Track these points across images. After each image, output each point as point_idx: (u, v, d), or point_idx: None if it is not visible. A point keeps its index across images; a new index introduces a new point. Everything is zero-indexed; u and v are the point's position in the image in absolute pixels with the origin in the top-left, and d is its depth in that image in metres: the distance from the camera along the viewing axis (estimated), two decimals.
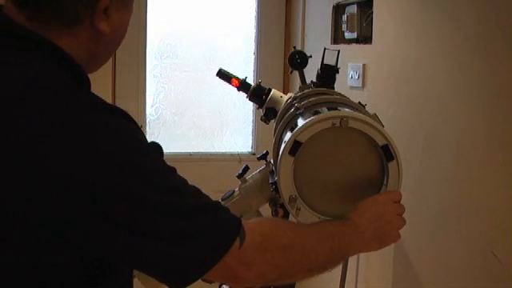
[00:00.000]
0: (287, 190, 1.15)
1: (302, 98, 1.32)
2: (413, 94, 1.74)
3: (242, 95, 1.66)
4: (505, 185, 1.34)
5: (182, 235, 0.82)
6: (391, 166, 1.12)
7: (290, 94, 1.56)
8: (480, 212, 1.43)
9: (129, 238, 0.79)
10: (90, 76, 0.91)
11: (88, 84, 0.89)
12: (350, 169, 1.15)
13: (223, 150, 3.00)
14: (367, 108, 1.29)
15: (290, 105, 1.38)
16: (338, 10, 2.36)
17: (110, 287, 0.88)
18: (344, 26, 2.20)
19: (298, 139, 1.11)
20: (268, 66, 2.94)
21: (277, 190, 1.27)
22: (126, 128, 0.82)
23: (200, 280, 0.86)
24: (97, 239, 0.79)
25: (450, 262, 1.55)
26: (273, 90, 1.61)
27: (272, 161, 1.43)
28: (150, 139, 0.87)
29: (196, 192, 0.87)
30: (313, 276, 1.01)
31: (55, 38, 0.85)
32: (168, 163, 0.86)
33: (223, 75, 1.65)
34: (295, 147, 1.11)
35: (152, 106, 2.88)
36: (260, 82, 1.64)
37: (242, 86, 1.63)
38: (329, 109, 1.17)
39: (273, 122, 1.54)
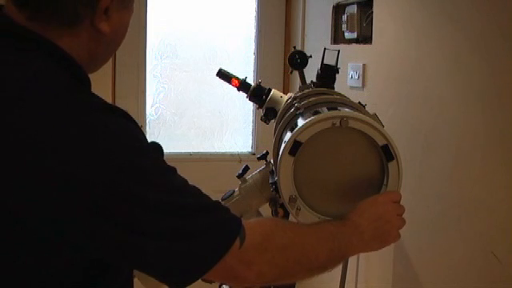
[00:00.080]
0: (287, 190, 1.15)
1: (302, 98, 1.32)
2: (413, 94, 1.74)
3: (242, 95, 1.66)
4: (505, 185, 1.34)
5: (182, 235, 0.82)
6: (391, 166, 1.12)
7: (290, 94, 1.56)
8: (480, 212, 1.43)
9: (129, 238, 0.79)
10: (90, 76, 0.91)
11: (88, 84, 0.89)
12: (350, 169, 1.15)
13: (223, 150, 3.00)
14: (367, 108, 1.29)
15: (290, 105, 1.38)
16: (338, 10, 2.36)
17: (109, 287, 0.88)
18: (344, 26, 2.20)
19: (298, 139, 1.11)
20: (268, 66, 2.94)
21: (277, 190, 1.27)
22: (126, 128, 0.82)
23: (200, 280, 0.86)
24: (97, 239, 0.79)
25: (450, 262, 1.55)
26: (273, 90, 1.61)
27: (272, 161, 1.43)
28: (150, 139, 0.87)
29: (196, 192, 0.88)
30: (313, 276, 1.01)
31: (55, 38, 0.85)
32: (168, 163, 0.86)
33: (223, 75, 1.65)
34: (295, 147, 1.11)
35: (152, 106, 2.88)
36: (260, 82, 1.64)
37: (242, 86, 1.63)
38: (329, 109, 1.17)
39: (273, 122, 1.54)
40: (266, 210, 1.51)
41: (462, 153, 1.50)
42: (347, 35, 2.22)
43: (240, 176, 1.51)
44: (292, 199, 1.15)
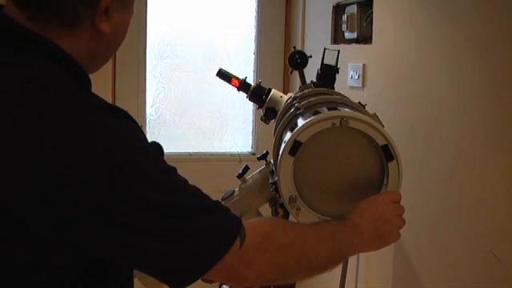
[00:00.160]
0: (287, 190, 1.15)
1: (302, 98, 1.32)
2: (413, 94, 1.74)
3: (242, 95, 1.66)
4: (505, 185, 1.34)
5: (182, 235, 0.82)
6: (391, 166, 1.12)
7: (290, 94, 1.56)
8: (480, 212, 1.43)
9: (129, 238, 0.79)
10: (90, 76, 0.91)
11: (89, 84, 0.89)
12: (350, 169, 1.15)
13: (223, 150, 3.00)
14: (367, 108, 1.29)
15: (290, 105, 1.38)
16: (338, 10, 2.36)
17: (109, 287, 0.88)
18: (344, 26, 2.20)
19: (297, 139, 1.11)
20: (268, 66, 2.94)
21: (277, 190, 1.27)
22: (126, 128, 0.82)
23: (200, 280, 0.87)
24: (97, 239, 0.79)
25: (450, 262, 1.55)
26: (273, 90, 1.61)
27: (272, 161, 1.43)
28: (150, 139, 0.87)
29: (196, 192, 0.88)
30: (313, 276, 1.01)
31: (56, 38, 0.85)
32: (168, 163, 0.86)
33: (223, 75, 1.65)
34: (295, 147, 1.11)
35: (152, 106, 2.88)
36: (260, 82, 1.64)
37: (242, 86, 1.63)
38: (329, 109, 1.17)
39: (273, 122, 1.54)
40: (266, 209, 1.51)
41: (461, 153, 1.50)
42: (347, 35, 2.22)
43: (240, 176, 1.51)
44: (292, 199, 1.15)
